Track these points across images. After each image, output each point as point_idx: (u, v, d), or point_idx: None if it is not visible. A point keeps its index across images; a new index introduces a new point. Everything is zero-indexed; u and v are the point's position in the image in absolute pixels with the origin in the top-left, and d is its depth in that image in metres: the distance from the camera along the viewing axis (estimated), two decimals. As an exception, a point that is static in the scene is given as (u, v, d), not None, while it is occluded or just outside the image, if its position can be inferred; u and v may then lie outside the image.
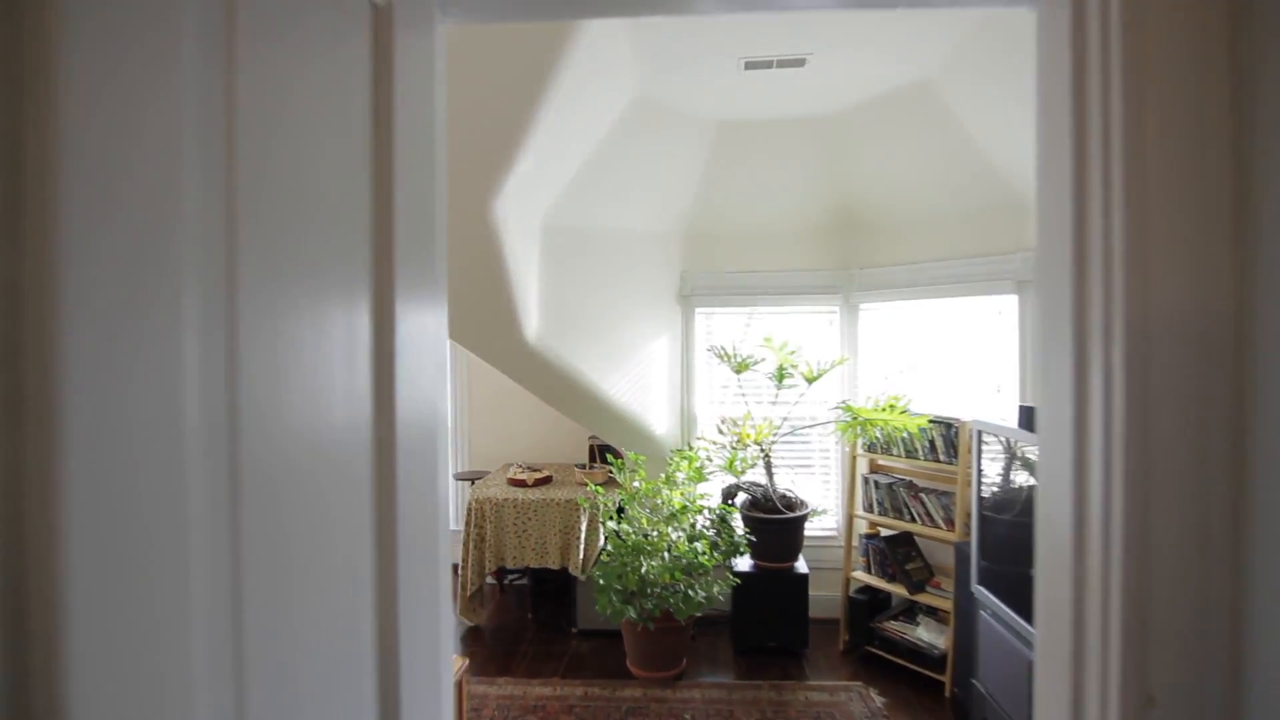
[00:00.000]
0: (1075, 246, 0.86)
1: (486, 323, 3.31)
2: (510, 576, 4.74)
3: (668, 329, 4.12)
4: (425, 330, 0.88)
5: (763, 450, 3.68)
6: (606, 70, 2.81)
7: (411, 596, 0.81)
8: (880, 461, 3.80)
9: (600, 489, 3.60)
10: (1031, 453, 2.50)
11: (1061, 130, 0.87)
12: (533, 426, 5.05)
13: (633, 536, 3.18)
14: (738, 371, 3.79)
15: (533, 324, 3.38)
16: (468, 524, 3.93)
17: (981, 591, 2.63)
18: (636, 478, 3.51)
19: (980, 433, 2.73)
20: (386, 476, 0.78)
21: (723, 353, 3.81)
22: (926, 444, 3.45)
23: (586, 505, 3.74)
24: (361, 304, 0.74)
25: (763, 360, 3.81)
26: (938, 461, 3.41)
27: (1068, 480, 0.87)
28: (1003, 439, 2.68)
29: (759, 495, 3.70)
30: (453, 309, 3.04)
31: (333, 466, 0.67)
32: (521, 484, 4.13)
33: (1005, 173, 3.29)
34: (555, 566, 3.85)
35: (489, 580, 4.71)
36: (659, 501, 3.42)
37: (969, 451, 3.23)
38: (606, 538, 3.34)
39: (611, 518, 3.47)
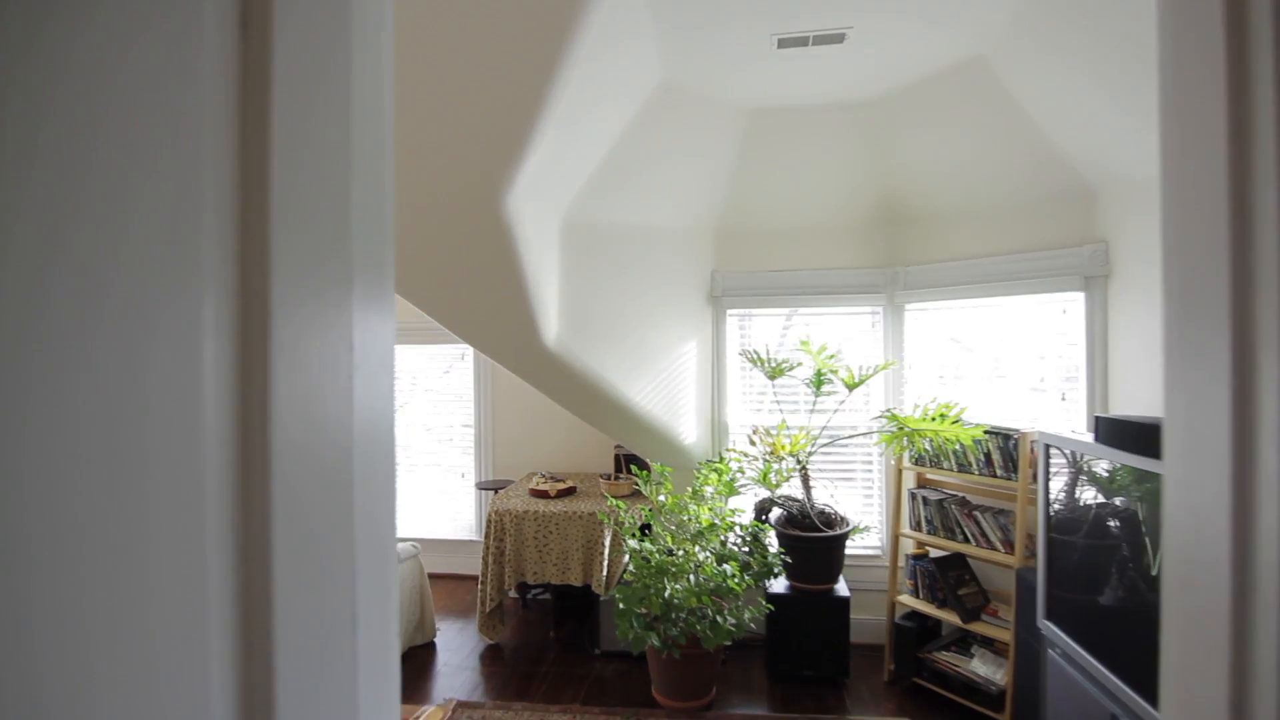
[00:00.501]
0: (1233, 210, 0.60)
1: (501, 325, 3.12)
2: (533, 591, 4.54)
3: (697, 332, 3.88)
4: (337, 331, 0.67)
5: (799, 462, 3.41)
6: (626, 51, 2.60)
7: (302, 670, 0.60)
8: (929, 475, 3.49)
9: (622, 504, 3.37)
10: (1102, 468, 2.19)
11: (1206, 56, 0.61)
12: (557, 434, 4.86)
13: (656, 556, 2.95)
14: (772, 377, 3.53)
15: (551, 326, 3.18)
16: (487, 537, 3.75)
17: (1050, 628, 2.31)
18: (662, 491, 3.28)
19: (1048, 447, 2.42)
20: (256, 511, 0.58)
21: (755, 357, 3.55)
22: (981, 457, 3.13)
23: (608, 521, 3.52)
24: (207, 301, 0.53)
25: (799, 365, 3.54)
26: (994, 476, 3.09)
27: (1222, 528, 0.61)
28: (1068, 452, 2.37)
29: (795, 511, 3.43)
30: (465, 309, 2.84)
31: (148, 495, 0.46)
32: (543, 495, 3.93)
33: (1071, 157, 2.97)
34: (578, 584, 3.64)
35: (511, 594, 4.53)
36: (685, 518, 3.17)
37: (1030, 466, 2.91)
38: (629, 557, 3.11)
39: (634, 536, 3.24)
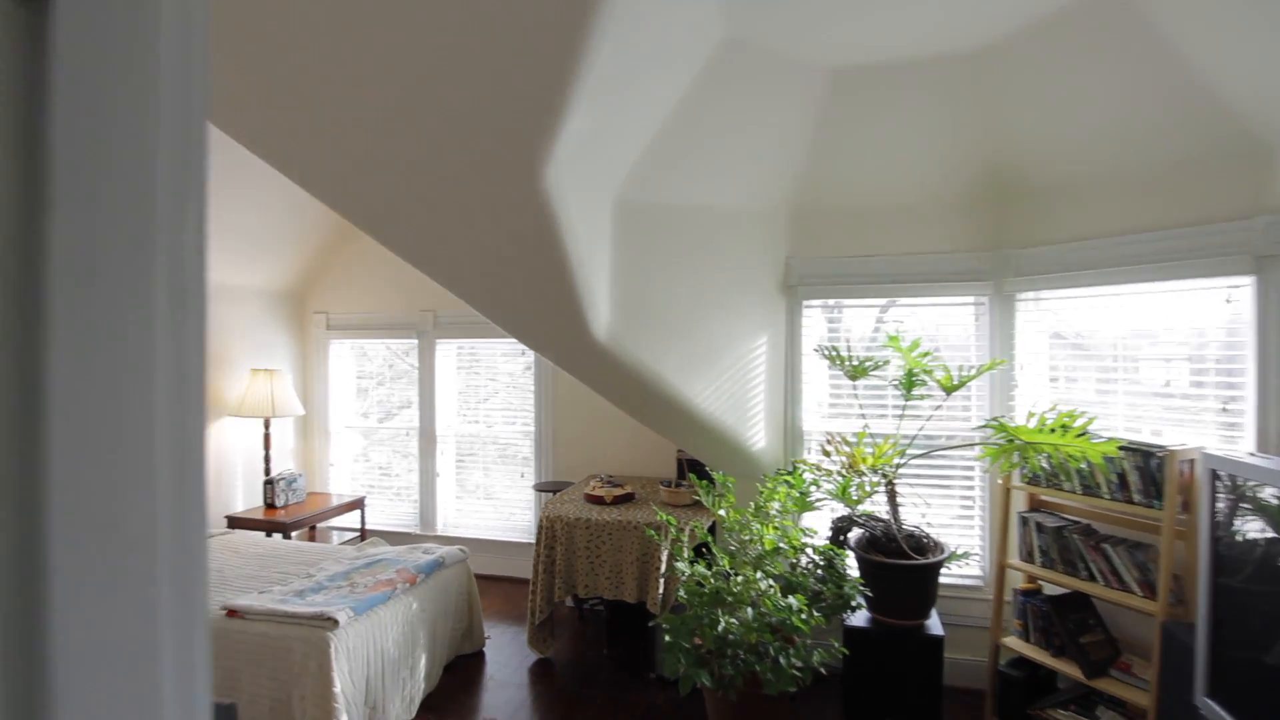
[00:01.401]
0: None
1: (545, 315, 2.84)
2: (590, 601, 4.27)
3: (769, 326, 3.47)
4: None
5: (885, 477, 2.94)
6: (679, 1, 2.24)
7: None
8: (1044, 497, 2.94)
9: (673, 520, 3.01)
10: (1270, 495, 1.65)
11: None
12: (619, 434, 4.56)
13: (711, 581, 2.58)
14: (853, 378, 3.08)
15: (602, 318, 2.87)
16: (538, 544, 3.50)
17: (1214, 709, 1.78)
18: (724, 504, 2.90)
19: (1214, 471, 1.87)
20: None
21: (832, 354, 3.11)
22: (1114, 478, 2.57)
23: (661, 539, 3.17)
24: None
25: (886, 363, 3.07)
26: (1130, 503, 2.52)
27: None
28: (1226, 476, 1.83)
29: (879, 533, 2.97)
30: (506, 298, 2.51)
31: None
32: (599, 501, 3.63)
33: (1240, 106, 2.36)
34: (632, 601, 3.32)
35: (568, 604, 4.28)
36: (746, 537, 2.78)
37: (1180, 493, 2.35)
38: (682, 581, 2.75)
39: (686, 557, 2.88)
